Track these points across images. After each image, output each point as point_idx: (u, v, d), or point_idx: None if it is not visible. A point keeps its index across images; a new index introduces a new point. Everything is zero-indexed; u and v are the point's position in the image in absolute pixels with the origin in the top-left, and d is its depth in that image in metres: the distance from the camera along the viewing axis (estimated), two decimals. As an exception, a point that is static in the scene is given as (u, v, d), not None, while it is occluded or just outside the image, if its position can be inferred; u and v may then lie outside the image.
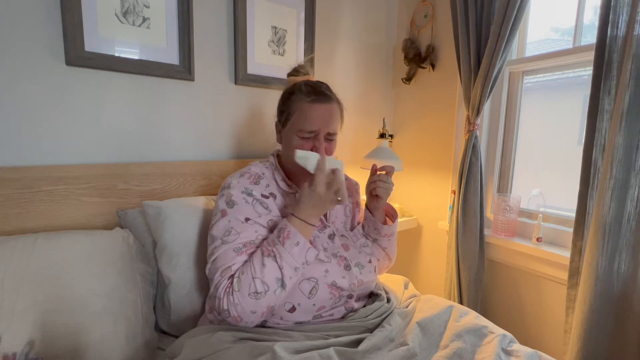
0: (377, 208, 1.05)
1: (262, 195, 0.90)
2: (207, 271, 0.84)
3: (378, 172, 1.02)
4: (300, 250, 0.81)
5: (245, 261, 0.82)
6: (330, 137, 0.93)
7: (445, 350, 0.82)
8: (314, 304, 0.86)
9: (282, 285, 0.79)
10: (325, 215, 1.00)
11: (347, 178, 1.16)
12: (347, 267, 0.93)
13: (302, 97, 0.90)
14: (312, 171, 0.86)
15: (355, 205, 1.13)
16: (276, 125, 1.00)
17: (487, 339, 0.88)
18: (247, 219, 0.85)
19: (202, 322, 0.96)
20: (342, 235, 1.01)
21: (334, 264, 0.91)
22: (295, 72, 1.04)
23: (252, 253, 0.83)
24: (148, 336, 0.94)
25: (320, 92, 0.90)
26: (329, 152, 0.94)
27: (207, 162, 1.29)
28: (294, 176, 0.97)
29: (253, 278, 0.78)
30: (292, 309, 0.85)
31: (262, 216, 0.87)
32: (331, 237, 0.97)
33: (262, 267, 0.78)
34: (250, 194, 0.88)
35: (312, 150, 0.90)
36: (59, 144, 1.05)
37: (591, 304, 1.03)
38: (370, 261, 0.99)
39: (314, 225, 0.86)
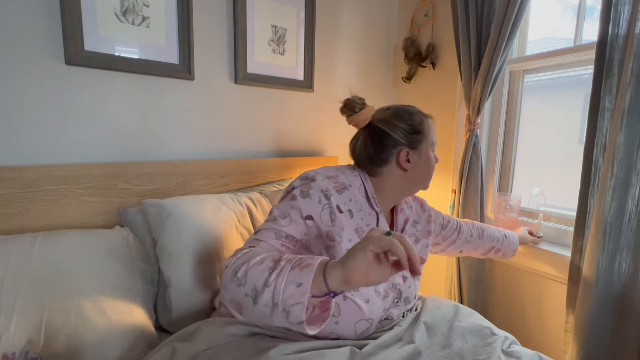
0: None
1: (337, 207, 0.82)
2: None
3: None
4: (293, 295, 0.57)
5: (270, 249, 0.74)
6: None
7: (448, 350, 0.82)
8: (356, 335, 0.84)
9: (254, 299, 0.60)
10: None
11: (415, 198, 1.09)
12: (397, 301, 0.89)
13: (422, 116, 0.94)
14: None
15: (426, 234, 1.04)
16: (404, 153, 0.89)
17: (488, 340, 0.88)
18: (308, 217, 0.79)
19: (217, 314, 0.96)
20: None
21: (390, 298, 0.87)
22: (363, 102, 0.93)
23: (287, 248, 0.77)
24: (148, 335, 0.94)
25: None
26: None
27: (207, 161, 1.29)
28: (383, 199, 0.92)
29: (246, 262, 0.64)
30: (337, 338, 0.82)
31: (323, 224, 0.80)
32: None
33: (258, 264, 0.63)
34: (327, 197, 0.81)
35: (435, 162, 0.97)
36: (59, 143, 1.05)
37: (592, 303, 1.02)
38: (415, 296, 0.96)
39: (328, 294, 0.60)
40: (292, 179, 0.88)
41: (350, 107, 0.90)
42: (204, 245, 1.04)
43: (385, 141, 0.90)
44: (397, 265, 0.60)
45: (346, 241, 0.82)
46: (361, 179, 0.90)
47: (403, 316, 0.95)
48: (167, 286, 1.00)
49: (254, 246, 0.73)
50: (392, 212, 0.99)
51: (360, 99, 0.91)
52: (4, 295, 0.80)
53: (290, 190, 0.84)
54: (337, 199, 0.82)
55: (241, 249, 0.71)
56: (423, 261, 1.03)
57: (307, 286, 0.57)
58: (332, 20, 1.61)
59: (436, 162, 0.96)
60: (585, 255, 1.06)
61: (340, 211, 0.82)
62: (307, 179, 0.84)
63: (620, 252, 1.00)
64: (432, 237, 1.05)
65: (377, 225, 0.88)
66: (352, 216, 0.84)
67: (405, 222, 1.00)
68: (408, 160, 0.90)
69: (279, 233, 0.76)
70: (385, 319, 0.89)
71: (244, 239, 1.14)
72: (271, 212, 0.82)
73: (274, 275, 0.60)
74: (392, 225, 0.98)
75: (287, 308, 0.58)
